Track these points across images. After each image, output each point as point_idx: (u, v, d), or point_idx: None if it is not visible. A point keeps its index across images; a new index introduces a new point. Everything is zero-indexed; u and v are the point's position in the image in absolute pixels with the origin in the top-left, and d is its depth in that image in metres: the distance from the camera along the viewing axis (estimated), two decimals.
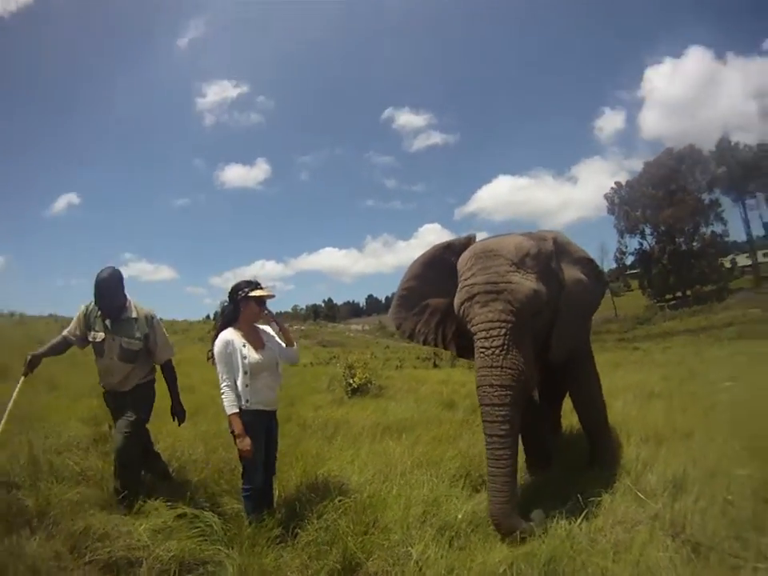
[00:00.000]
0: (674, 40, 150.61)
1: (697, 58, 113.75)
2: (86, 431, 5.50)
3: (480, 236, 4.49)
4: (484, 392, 3.49)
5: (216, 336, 3.66)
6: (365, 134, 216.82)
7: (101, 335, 3.97)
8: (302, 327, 58.90)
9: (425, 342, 4.52)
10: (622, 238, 72.06)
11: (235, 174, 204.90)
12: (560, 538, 3.13)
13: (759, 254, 66.06)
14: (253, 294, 3.64)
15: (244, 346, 3.56)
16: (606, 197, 73.34)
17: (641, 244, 71.34)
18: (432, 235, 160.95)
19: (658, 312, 60.16)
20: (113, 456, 3.87)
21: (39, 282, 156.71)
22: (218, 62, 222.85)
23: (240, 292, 3.66)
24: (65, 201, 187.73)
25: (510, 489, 3.35)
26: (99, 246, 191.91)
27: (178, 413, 4.29)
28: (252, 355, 3.55)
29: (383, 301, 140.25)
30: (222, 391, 3.49)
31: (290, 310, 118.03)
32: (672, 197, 64.53)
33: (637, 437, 5.32)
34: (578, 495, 3.56)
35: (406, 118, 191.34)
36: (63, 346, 4.06)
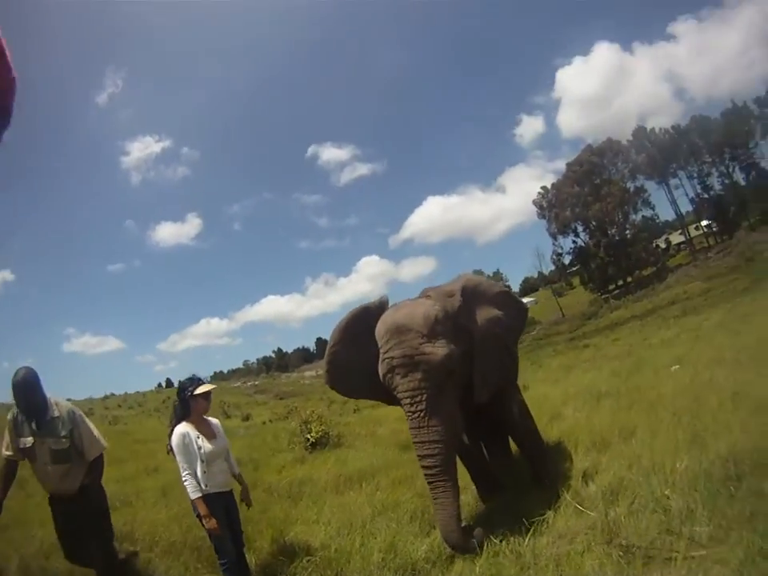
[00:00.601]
0: (581, 38, 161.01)
1: (604, 53, 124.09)
2: None
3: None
4: (418, 447, 4.07)
5: (171, 431, 4.08)
6: (291, 175, 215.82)
7: (29, 440, 3.90)
8: (256, 382, 58.21)
9: (359, 398, 5.05)
10: (555, 240, 74.24)
11: (167, 233, 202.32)
12: (508, 558, 3.59)
13: (691, 228, 69.05)
14: (197, 391, 4.09)
15: (198, 437, 4.00)
16: (534, 202, 75.65)
17: (575, 242, 73.47)
18: (372, 267, 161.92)
19: (603, 304, 62.01)
20: None
21: None
22: (139, 117, 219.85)
23: (186, 392, 4.10)
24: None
25: (454, 516, 3.88)
26: (40, 323, 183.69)
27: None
28: (206, 445, 3.99)
29: None
30: (183, 479, 3.88)
31: (241, 365, 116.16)
32: (598, 191, 67.32)
33: (583, 445, 5.74)
34: (522, 516, 4.00)
35: (330, 153, 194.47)
36: (13, 469, 4.01)
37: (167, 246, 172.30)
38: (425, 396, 4.02)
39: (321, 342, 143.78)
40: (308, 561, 4.04)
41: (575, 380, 13.42)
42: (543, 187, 75.95)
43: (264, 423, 18.45)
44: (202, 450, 3.94)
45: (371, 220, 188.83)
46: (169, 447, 4.09)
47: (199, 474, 3.90)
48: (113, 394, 46.66)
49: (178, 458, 3.93)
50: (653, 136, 68.81)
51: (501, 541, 3.82)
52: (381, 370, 4.30)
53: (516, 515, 4.14)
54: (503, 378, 4.93)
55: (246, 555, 4.30)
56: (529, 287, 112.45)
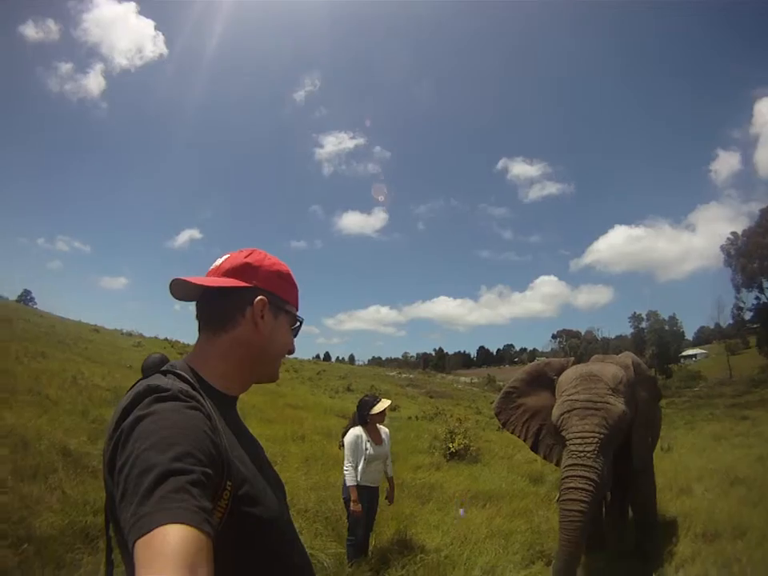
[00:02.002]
0: None
1: None
2: None
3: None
4: (571, 483, 4.17)
5: (347, 430, 4.99)
6: (479, 185, 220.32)
7: None
8: (411, 376, 59.87)
9: (512, 432, 5.53)
10: (739, 292, 65.45)
11: (353, 222, 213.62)
12: None
13: None
14: (374, 411, 4.93)
15: (368, 441, 4.84)
16: (722, 248, 66.61)
17: (758, 298, 64.10)
18: (548, 287, 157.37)
19: None
20: None
21: (157, 306, 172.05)
22: (335, 114, 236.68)
23: (365, 410, 4.95)
24: (187, 235, 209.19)
25: (573, 556, 4.05)
26: None
27: None
28: (372, 449, 4.82)
29: (494, 353, 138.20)
30: (346, 469, 4.77)
31: (400, 356, 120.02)
32: None
33: (695, 531, 5.74)
34: None
35: (520, 168, 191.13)
36: None
37: (351, 234, 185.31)
38: (596, 440, 4.24)
39: (483, 351, 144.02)
40: (420, 559, 4.66)
41: (720, 454, 12.42)
42: (733, 233, 66.30)
43: (410, 418, 19.18)
44: (368, 452, 4.77)
45: (554, 240, 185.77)
46: (341, 443, 5.00)
47: (360, 468, 4.73)
48: None
49: (347, 452, 4.81)
50: None
51: None
52: (558, 410, 4.66)
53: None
54: (650, 452, 5.14)
55: (370, 538, 5.03)
56: (703, 338, 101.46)
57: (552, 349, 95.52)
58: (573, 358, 5.59)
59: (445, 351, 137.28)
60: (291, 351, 1.29)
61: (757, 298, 64.44)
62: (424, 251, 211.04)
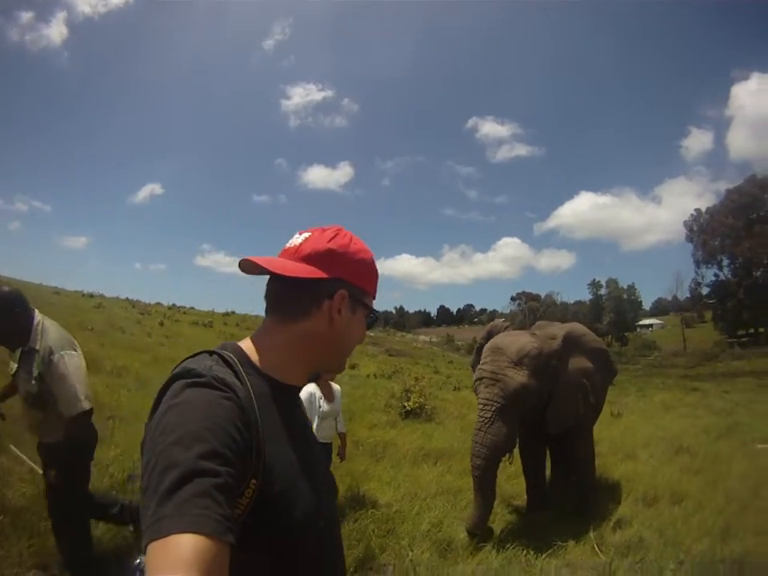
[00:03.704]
0: (763, 54, 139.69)
1: None
2: None
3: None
4: (472, 446, 5.01)
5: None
6: (447, 142, 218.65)
7: (13, 367, 3.22)
8: (371, 333, 60.26)
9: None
10: (698, 268, 69.56)
11: (318, 176, 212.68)
12: (519, 566, 4.24)
13: None
14: None
15: (321, 398, 4.92)
16: (685, 224, 70.63)
17: (717, 275, 68.33)
18: (511, 249, 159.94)
19: (727, 349, 56.91)
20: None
21: (118, 265, 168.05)
22: (304, 64, 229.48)
23: None
24: (149, 190, 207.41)
25: (482, 508, 4.78)
26: (178, 235, 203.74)
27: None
28: (325, 406, 4.91)
29: (454, 313, 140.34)
30: None
31: (364, 333, 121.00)
32: (752, 227, 61.01)
33: (636, 494, 6.14)
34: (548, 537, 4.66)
35: (491, 128, 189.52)
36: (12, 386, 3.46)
37: (315, 188, 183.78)
38: (493, 408, 4.87)
39: (443, 310, 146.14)
40: (371, 513, 4.89)
41: (668, 423, 13.19)
42: (697, 209, 70.54)
43: (368, 377, 19.35)
44: (321, 409, 4.85)
45: (520, 202, 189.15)
46: None
47: (315, 426, 4.80)
48: (234, 312, 49.39)
49: None
50: None
51: (522, 551, 4.44)
52: (474, 376, 5.27)
53: (544, 534, 4.77)
54: (576, 422, 5.43)
55: None
56: (660, 309, 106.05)
57: (511, 310, 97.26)
58: (508, 323, 6.04)
59: (405, 309, 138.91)
60: (361, 341, 1.20)
61: (716, 275, 68.54)
62: (388, 208, 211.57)
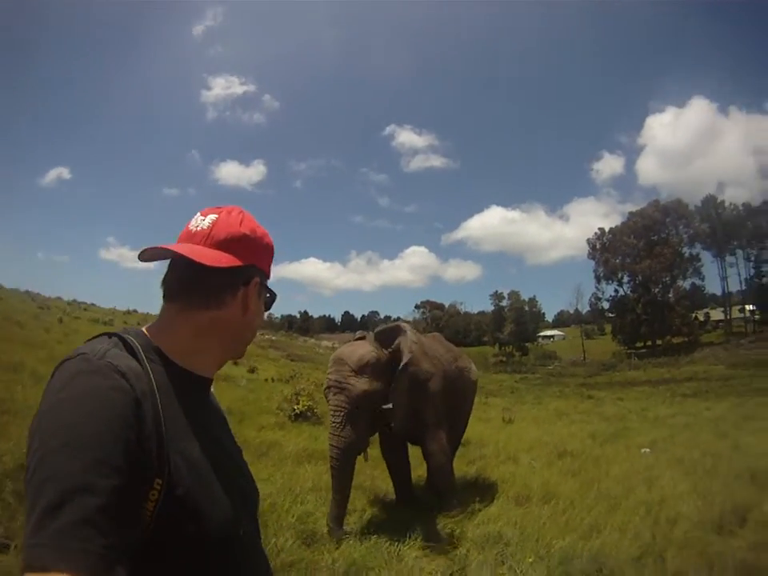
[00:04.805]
0: (679, 88, 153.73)
1: (700, 109, 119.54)
2: None
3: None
4: (329, 449, 5.37)
5: None
6: (363, 149, 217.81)
7: None
8: (273, 338, 59.25)
9: None
10: (599, 283, 74.60)
11: (230, 172, 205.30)
12: (379, 554, 4.60)
13: (735, 310, 67.35)
14: None
15: None
16: (588, 241, 75.55)
17: (617, 291, 73.49)
18: (418, 258, 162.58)
19: (624, 359, 61.77)
20: None
21: (18, 254, 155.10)
22: (230, 55, 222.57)
23: None
24: (55, 173, 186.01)
25: (338, 505, 5.17)
26: (84, 224, 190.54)
27: None
28: None
29: (359, 319, 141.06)
30: None
31: (264, 317, 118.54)
32: (652, 248, 66.78)
33: (507, 495, 6.50)
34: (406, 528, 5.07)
35: (408, 137, 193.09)
36: None
37: (226, 185, 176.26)
38: (342, 413, 5.31)
39: (347, 316, 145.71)
40: None
41: (557, 428, 13.80)
42: (600, 229, 76.26)
43: (266, 380, 19.15)
44: None
45: (430, 212, 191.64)
46: None
47: None
48: (135, 311, 47.09)
49: None
50: (721, 209, 67.65)
51: (386, 541, 4.84)
52: (324, 386, 5.65)
53: (407, 526, 5.15)
54: (417, 421, 5.93)
55: None
56: (561, 321, 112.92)
57: (414, 318, 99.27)
58: (365, 333, 6.36)
59: (310, 314, 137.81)
60: (261, 326, 1.18)
61: (615, 290, 73.92)
62: (298, 210, 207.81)
